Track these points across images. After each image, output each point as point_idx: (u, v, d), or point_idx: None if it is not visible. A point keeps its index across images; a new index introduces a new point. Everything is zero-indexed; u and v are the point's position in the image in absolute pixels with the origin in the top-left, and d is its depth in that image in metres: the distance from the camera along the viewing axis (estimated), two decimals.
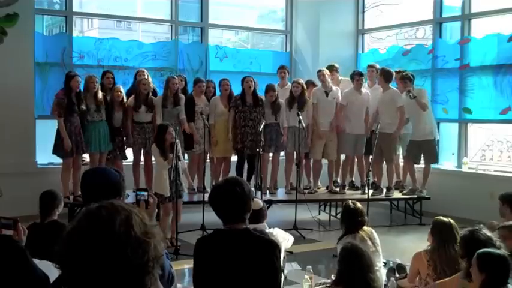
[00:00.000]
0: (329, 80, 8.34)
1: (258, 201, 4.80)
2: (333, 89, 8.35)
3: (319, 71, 8.38)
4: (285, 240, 4.78)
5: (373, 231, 4.73)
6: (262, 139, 7.75)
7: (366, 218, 4.76)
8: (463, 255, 3.72)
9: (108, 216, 1.40)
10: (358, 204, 4.75)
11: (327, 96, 8.31)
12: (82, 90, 7.47)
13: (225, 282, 2.78)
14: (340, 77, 8.94)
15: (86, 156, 7.96)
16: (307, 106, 8.20)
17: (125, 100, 7.79)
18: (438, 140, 8.48)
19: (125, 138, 7.86)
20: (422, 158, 8.27)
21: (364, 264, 3.63)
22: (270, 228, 4.94)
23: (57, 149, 7.40)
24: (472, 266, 3.24)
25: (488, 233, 3.72)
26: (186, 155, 7.91)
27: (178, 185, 6.54)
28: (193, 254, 2.93)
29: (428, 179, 8.22)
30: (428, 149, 8.13)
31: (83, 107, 7.36)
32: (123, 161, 7.94)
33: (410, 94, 7.85)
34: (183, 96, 7.86)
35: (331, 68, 8.71)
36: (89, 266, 1.36)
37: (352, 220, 4.65)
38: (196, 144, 7.91)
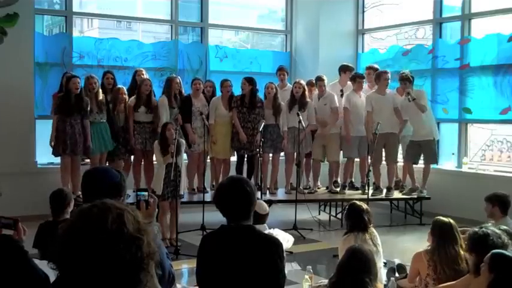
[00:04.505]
0: (326, 87, 8.39)
1: (265, 206, 4.90)
2: (325, 93, 8.36)
3: (321, 80, 8.33)
4: (284, 240, 4.80)
5: (374, 231, 4.74)
6: (262, 138, 7.73)
7: (371, 218, 4.75)
8: (471, 251, 3.71)
9: (100, 215, 1.43)
10: (365, 205, 4.78)
11: (318, 100, 8.39)
12: (83, 90, 7.46)
13: (228, 277, 2.80)
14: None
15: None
16: (308, 107, 8.20)
17: (127, 101, 7.78)
18: (438, 141, 8.48)
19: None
20: (421, 159, 8.26)
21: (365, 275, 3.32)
22: (270, 228, 4.96)
23: (53, 148, 7.43)
24: (484, 264, 3.23)
25: (498, 231, 3.72)
26: (185, 154, 7.89)
27: (177, 185, 6.50)
28: (198, 249, 2.95)
29: (428, 179, 8.21)
30: (428, 150, 8.12)
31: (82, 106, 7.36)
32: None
33: (409, 97, 7.84)
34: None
35: (346, 69, 8.72)
36: (83, 264, 1.39)
37: (357, 219, 4.65)
38: (193, 144, 7.86)
